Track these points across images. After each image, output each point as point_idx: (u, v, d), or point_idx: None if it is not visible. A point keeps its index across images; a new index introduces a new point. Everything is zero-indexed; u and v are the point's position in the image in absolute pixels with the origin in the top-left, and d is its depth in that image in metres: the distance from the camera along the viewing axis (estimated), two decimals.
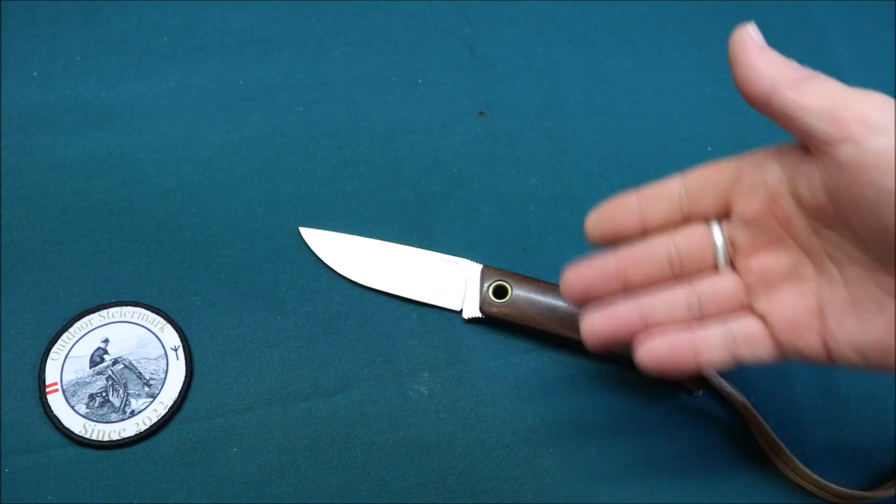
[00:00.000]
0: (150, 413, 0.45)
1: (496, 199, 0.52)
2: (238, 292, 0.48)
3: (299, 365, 0.47)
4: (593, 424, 0.46)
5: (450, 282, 0.48)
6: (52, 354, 0.46)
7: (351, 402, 0.46)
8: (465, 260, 0.48)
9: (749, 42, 0.34)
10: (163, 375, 0.45)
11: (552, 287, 0.46)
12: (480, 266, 0.48)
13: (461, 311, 0.47)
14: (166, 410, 0.45)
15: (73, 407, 0.44)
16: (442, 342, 0.47)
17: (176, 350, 0.46)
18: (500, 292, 0.46)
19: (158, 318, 0.47)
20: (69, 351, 0.46)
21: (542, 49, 0.57)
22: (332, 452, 0.45)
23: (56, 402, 0.44)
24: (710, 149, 0.54)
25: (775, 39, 0.58)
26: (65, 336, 0.46)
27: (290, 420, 0.45)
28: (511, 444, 0.45)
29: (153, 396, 0.45)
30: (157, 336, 0.46)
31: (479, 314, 0.47)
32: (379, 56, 0.56)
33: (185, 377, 0.45)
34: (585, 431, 0.46)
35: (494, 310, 0.46)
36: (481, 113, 0.55)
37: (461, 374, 0.47)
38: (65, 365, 0.45)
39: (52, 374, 0.45)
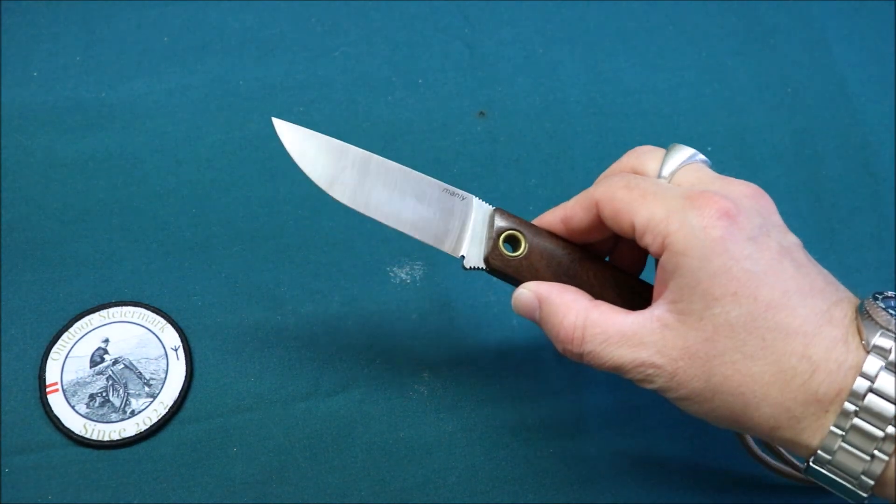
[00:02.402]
0: (151, 413, 0.45)
1: (496, 199, 0.52)
2: (238, 292, 0.48)
3: (299, 365, 0.47)
4: (593, 424, 0.46)
5: (453, 219, 0.40)
6: (52, 354, 0.46)
7: (351, 402, 0.46)
8: (473, 197, 0.40)
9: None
10: (163, 375, 0.45)
11: (577, 249, 0.39)
12: (491, 208, 0.40)
13: (462, 257, 0.40)
14: (166, 410, 0.45)
15: (73, 407, 0.44)
16: (442, 342, 0.47)
17: (176, 350, 0.46)
18: (511, 244, 0.39)
19: (158, 318, 0.47)
20: (69, 351, 0.46)
21: (542, 49, 0.57)
22: (332, 452, 0.45)
23: (56, 402, 0.44)
24: (710, 149, 0.54)
25: (775, 39, 0.58)
26: (65, 336, 0.46)
27: (290, 420, 0.45)
28: (511, 444, 0.45)
29: (153, 396, 0.45)
30: (157, 336, 0.46)
31: (482, 265, 0.39)
32: (379, 56, 0.56)
33: (186, 377, 0.46)
34: (585, 431, 0.46)
35: (501, 264, 0.39)
36: (481, 113, 0.55)
37: (461, 374, 0.47)
38: (65, 365, 0.45)
39: (52, 373, 0.45)
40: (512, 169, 0.53)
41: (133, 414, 0.44)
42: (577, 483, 0.44)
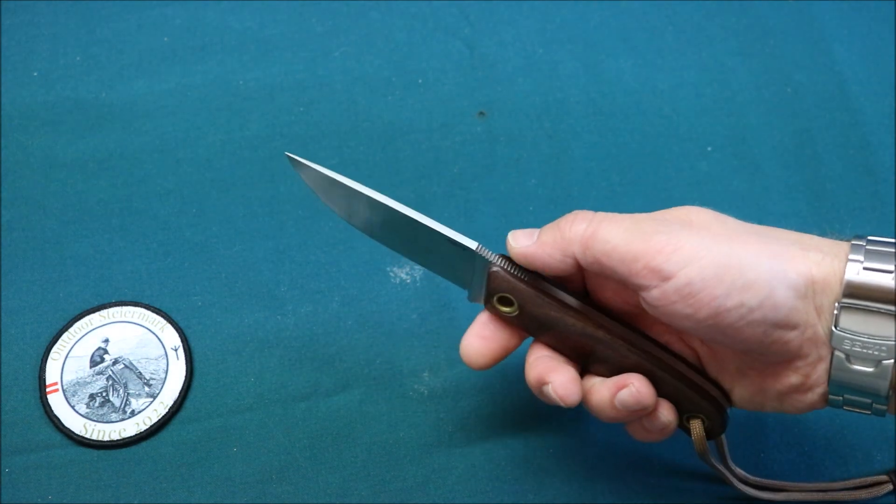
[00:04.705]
0: (151, 413, 0.45)
1: (496, 199, 0.52)
2: (238, 292, 0.48)
3: (299, 365, 0.47)
4: (593, 425, 0.46)
5: (456, 266, 0.40)
6: (52, 354, 0.46)
7: (351, 402, 0.46)
8: (474, 250, 0.38)
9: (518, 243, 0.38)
10: (163, 375, 0.45)
11: (573, 312, 0.38)
12: (489, 262, 0.38)
13: (467, 293, 0.41)
14: (166, 410, 0.45)
15: (73, 407, 0.44)
16: (442, 342, 0.47)
17: (176, 350, 0.46)
18: (505, 303, 0.39)
19: (158, 318, 0.47)
20: (69, 351, 0.46)
21: (542, 49, 0.57)
22: (332, 452, 0.45)
23: (56, 402, 0.44)
24: (709, 149, 0.54)
25: (775, 39, 0.58)
26: (65, 336, 0.46)
27: (290, 420, 0.45)
28: (511, 444, 0.45)
29: (153, 396, 0.45)
30: (157, 336, 0.46)
31: (482, 306, 0.40)
32: (379, 56, 0.56)
33: (186, 377, 0.46)
34: (585, 431, 0.46)
35: (497, 314, 0.40)
36: (481, 113, 0.55)
37: (461, 374, 0.47)
38: (65, 365, 0.45)
39: (52, 373, 0.45)
40: (512, 169, 0.53)
41: (133, 414, 0.44)
42: (577, 483, 0.44)
